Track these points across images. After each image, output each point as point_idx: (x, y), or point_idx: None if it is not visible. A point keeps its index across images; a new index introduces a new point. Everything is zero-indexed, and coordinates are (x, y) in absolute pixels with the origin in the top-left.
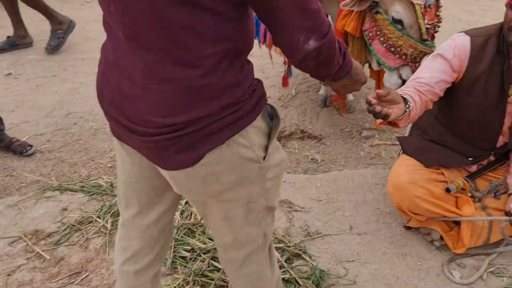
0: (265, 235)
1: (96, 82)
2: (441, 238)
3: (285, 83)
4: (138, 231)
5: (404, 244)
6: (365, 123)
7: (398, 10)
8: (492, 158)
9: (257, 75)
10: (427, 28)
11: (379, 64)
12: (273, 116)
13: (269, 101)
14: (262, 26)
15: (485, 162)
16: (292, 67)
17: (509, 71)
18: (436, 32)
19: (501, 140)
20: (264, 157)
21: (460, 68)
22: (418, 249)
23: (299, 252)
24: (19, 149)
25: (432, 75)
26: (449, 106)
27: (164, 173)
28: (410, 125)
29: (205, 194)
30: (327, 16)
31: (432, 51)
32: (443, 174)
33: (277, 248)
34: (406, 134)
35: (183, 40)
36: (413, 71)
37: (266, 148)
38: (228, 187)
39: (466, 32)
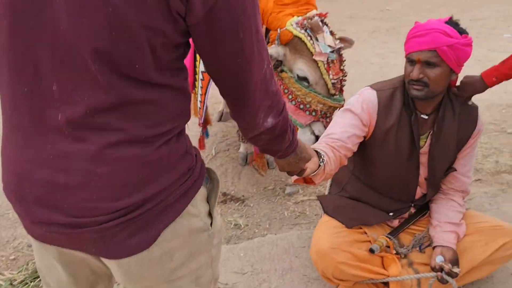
0: None
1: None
2: None
3: (201, 145)
4: None
5: None
6: (288, 179)
7: (302, 68)
8: (412, 210)
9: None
10: (333, 83)
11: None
12: (208, 179)
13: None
14: None
15: (406, 215)
16: (208, 127)
17: (416, 123)
18: (343, 86)
19: (419, 192)
20: (211, 223)
21: (369, 123)
22: None
23: None
24: None
25: (343, 130)
26: (364, 161)
27: (111, 263)
28: (329, 182)
29: (158, 278)
30: None
31: (342, 105)
32: (365, 233)
33: None
34: (326, 192)
35: (146, 118)
36: (325, 127)
37: (210, 214)
38: (181, 263)
39: (372, 86)
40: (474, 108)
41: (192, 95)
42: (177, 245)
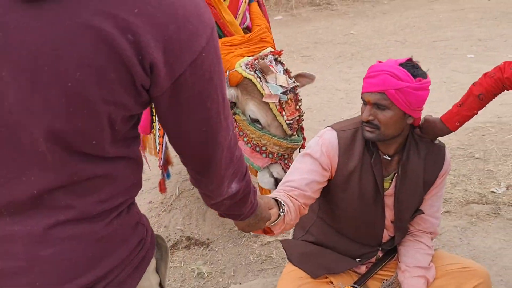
0: None
1: None
2: None
3: (162, 188)
4: None
5: None
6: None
7: (253, 110)
8: (380, 254)
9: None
10: (288, 124)
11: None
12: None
13: (151, 205)
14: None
15: (373, 259)
16: (170, 167)
17: (379, 164)
18: (300, 125)
19: (386, 235)
20: None
21: (330, 166)
22: None
23: None
24: None
25: (302, 177)
26: (328, 203)
27: None
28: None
29: None
30: None
31: (299, 145)
32: (332, 283)
33: None
34: (290, 236)
35: (98, 193)
36: (284, 169)
37: (160, 285)
38: None
39: (332, 127)
40: (441, 147)
41: (151, 135)
42: None
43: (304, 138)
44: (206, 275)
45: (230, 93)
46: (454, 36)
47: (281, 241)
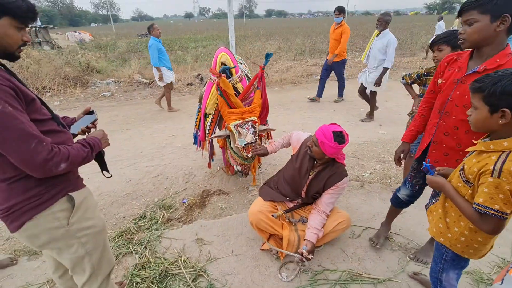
0: (92, 270)
1: None
2: (277, 252)
3: (209, 165)
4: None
5: (259, 259)
6: (250, 183)
7: (232, 146)
8: (300, 201)
9: (199, 164)
10: (246, 156)
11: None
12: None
13: (206, 174)
14: (199, 138)
15: (296, 202)
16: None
17: (312, 163)
18: (254, 155)
19: (302, 193)
20: (67, 224)
21: (296, 146)
22: (265, 261)
23: (201, 273)
24: None
25: (281, 141)
26: (283, 170)
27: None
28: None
29: (35, 246)
30: None
31: (249, 164)
32: (277, 208)
33: (188, 272)
34: (261, 183)
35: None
36: (241, 168)
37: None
38: (46, 241)
39: (310, 134)
40: (343, 175)
41: (206, 141)
42: (39, 232)
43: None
44: (223, 208)
45: (226, 132)
46: (354, 99)
47: (259, 188)
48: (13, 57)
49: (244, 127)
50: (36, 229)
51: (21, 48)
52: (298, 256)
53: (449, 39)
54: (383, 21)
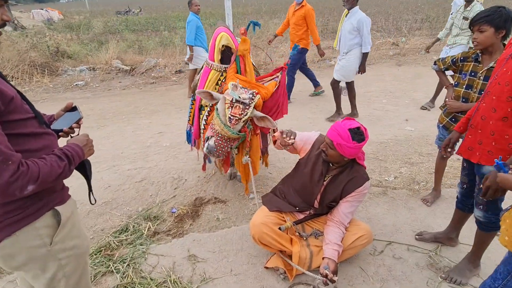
0: None
1: None
2: (285, 272)
3: (203, 168)
4: None
5: (263, 279)
6: (251, 190)
7: (218, 104)
8: (312, 212)
9: (190, 166)
10: (229, 118)
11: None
12: (59, 219)
13: (199, 178)
14: (193, 136)
15: (307, 213)
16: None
17: (325, 165)
18: (238, 124)
19: (316, 203)
20: (51, 243)
21: (302, 149)
22: (271, 281)
23: None
24: None
25: (299, 137)
26: (292, 175)
27: None
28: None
29: (9, 267)
30: None
31: (232, 136)
32: (284, 220)
33: None
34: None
35: None
36: (215, 142)
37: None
38: (22, 262)
39: (321, 134)
40: (365, 179)
41: (200, 139)
42: (17, 251)
43: (246, 135)
44: (220, 219)
45: (219, 96)
46: (375, 89)
47: (262, 196)
48: None
49: (243, 89)
50: (14, 247)
51: (2, 27)
52: (319, 278)
53: (493, 18)
54: None
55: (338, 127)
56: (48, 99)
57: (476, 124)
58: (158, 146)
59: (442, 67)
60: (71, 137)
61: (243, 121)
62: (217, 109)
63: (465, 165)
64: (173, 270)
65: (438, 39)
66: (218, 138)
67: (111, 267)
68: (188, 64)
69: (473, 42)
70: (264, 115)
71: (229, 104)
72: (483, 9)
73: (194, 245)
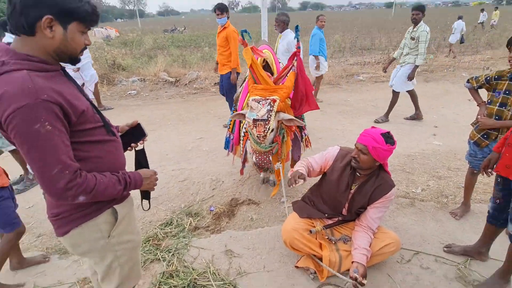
0: (119, 282)
1: None
2: (315, 272)
3: (241, 172)
4: None
5: (294, 277)
6: (282, 195)
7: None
8: (340, 218)
9: (227, 170)
10: (257, 136)
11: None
12: (117, 215)
13: (235, 181)
14: (232, 142)
15: (335, 219)
16: (246, 164)
17: (353, 176)
18: (264, 140)
19: (344, 211)
20: (109, 236)
21: (325, 165)
22: (301, 280)
23: (231, 287)
24: None
25: (313, 162)
26: (320, 184)
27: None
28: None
29: (76, 252)
30: None
31: (264, 150)
32: (314, 225)
33: (218, 285)
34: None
35: None
36: (253, 155)
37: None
38: (87, 250)
39: (340, 147)
40: (391, 186)
41: (239, 146)
42: (81, 241)
43: (279, 143)
44: (254, 219)
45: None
46: (403, 104)
47: (292, 202)
48: (76, 61)
49: (260, 102)
50: (79, 237)
51: (82, 51)
52: (349, 281)
53: None
54: (280, 22)
55: (372, 133)
56: (106, 106)
57: None
58: (198, 150)
59: (475, 85)
60: (135, 150)
61: (270, 133)
62: (249, 132)
63: (499, 180)
64: (212, 262)
65: (394, 59)
66: (257, 154)
67: (158, 256)
68: (314, 74)
69: (509, 61)
70: (290, 117)
71: (252, 126)
72: (427, 29)
73: (231, 241)
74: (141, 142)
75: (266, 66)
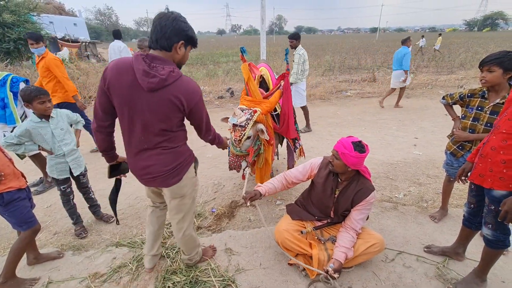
0: (185, 212)
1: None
2: (304, 269)
3: (243, 177)
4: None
5: (287, 274)
6: (279, 197)
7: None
8: (328, 220)
9: (228, 175)
10: (234, 140)
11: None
12: (196, 161)
13: (234, 185)
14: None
15: (325, 221)
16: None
17: (334, 181)
18: (240, 144)
19: (331, 214)
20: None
21: (311, 173)
22: (294, 277)
23: (230, 283)
24: (106, 219)
25: (295, 172)
26: (309, 190)
27: (164, 189)
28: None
29: (180, 194)
30: None
31: (240, 153)
32: (305, 227)
33: (217, 281)
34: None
35: (176, 140)
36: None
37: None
38: (189, 190)
39: (324, 157)
40: (370, 190)
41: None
42: (186, 183)
43: (250, 154)
44: (252, 220)
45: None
46: (387, 117)
47: (286, 205)
48: (180, 68)
49: (244, 111)
50: (186, 179)
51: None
52: (323, 273)
53: (503, 60)
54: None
55: (343, 141)
56: None
57: (486, 154)
58: (203, 156)
59: (450, 101)
60: (116, 178)
61: (245, 140)
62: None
63: (472, 187)
64: (213, 259)
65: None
66: (231, 155)
67: (163, 253)
68: (399, 85)
69: (481, 81)
70: (263, 128)
71: (231, 129)
72: (301, 52)
73: (230, 240)
74: (125, 175)
75: (263, 82)
